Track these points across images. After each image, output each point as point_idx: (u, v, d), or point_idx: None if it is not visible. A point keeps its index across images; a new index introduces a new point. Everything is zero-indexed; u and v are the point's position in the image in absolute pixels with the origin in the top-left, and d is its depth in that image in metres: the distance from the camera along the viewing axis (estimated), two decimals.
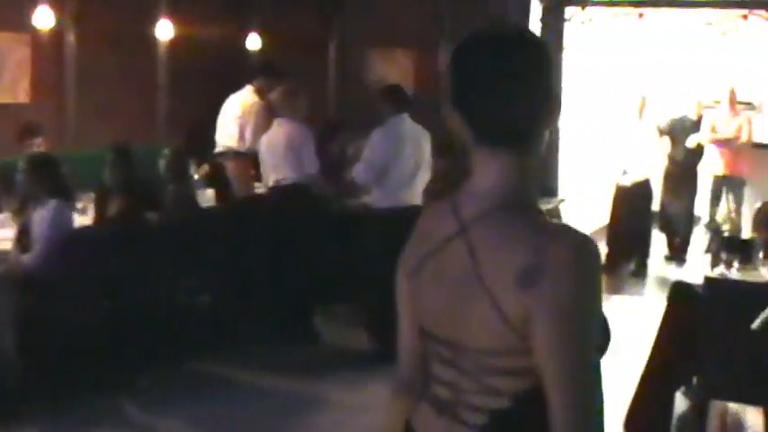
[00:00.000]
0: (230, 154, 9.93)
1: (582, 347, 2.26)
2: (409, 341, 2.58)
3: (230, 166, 9.93)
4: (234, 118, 9.88)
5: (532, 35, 2.47)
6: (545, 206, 10.64)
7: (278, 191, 8.55)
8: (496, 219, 2.34)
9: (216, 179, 10.08)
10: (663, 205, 13.39)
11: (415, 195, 8.38)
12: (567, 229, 2.35)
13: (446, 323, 2.39)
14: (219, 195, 9.85)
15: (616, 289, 11.84)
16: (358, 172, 8.35)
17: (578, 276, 2.29)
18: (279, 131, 8.65)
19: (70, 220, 7.41)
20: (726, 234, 7.26)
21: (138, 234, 7.70)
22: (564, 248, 2.28)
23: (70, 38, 10.90)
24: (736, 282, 6.47)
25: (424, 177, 8.53)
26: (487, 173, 2.39)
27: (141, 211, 7.83)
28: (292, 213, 8.45)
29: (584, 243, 2.32)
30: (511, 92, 2.33)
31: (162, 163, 8.49)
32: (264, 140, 8.75)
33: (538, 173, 2.45)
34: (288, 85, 8.95)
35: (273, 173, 8.58)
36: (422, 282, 2.45)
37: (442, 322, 2.41)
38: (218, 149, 10.04)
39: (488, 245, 2.32)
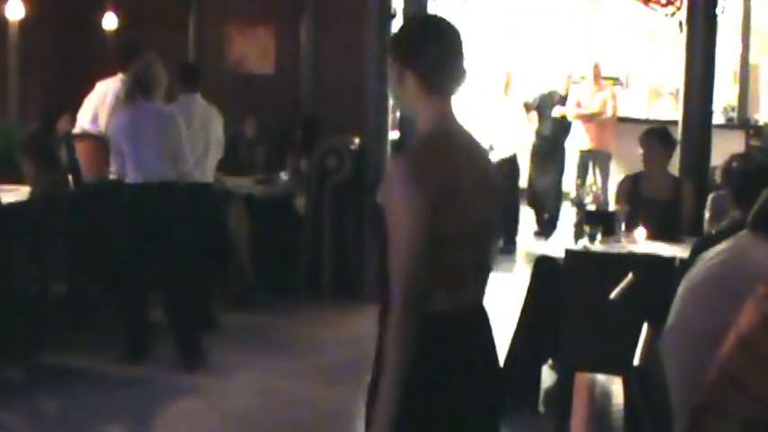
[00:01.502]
0: (81, 135, 9.62)
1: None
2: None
3: (80, 148, 9.61)
4: (92, 101, 9.60)
5: None
6: None
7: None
8: None
9: (71, 162, 9.78)
10: (531, 181, 13.45)
11: (207, 173, 8.66)
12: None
13: None
14: (73, 179, 9.56)
15: None
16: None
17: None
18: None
19: None
20: (588, 207, 7.23)
21: None
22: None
23: None
24: (596, 253, 6.48)
25: (215, 156, 8.84)
26: (440, 115, 3.43)
27: None
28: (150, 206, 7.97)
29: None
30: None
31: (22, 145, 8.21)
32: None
33: None
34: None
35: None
36: None
37: None
38: (74, 131, 9.73)
39: None
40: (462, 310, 3.35)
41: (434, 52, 3.33)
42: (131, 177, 7.65)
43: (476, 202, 3.30)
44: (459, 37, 3.38)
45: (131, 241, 7.73)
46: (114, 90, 9.45)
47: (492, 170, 3.51)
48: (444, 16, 3.51)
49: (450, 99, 3.43)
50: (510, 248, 12.41)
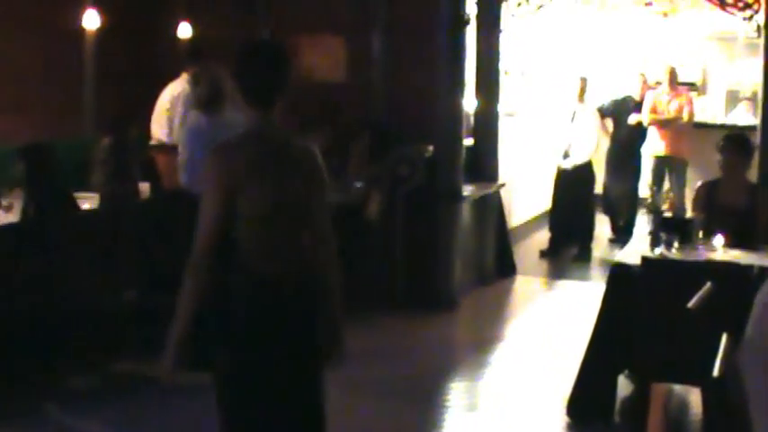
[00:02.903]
0: (159, 147, 9.67)
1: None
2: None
3: (159, 160, 9.66)
4: (163, 110, 9.62)
5: None
6: (483, 191, 10.50)
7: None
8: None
9: (149, 173, 9.84)
10: (606, 187, 13.35)
11: None
12: None
13: None
14: (152, 189, 9.61)
15: (560, 273, 11.76)
16: None
17: None
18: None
19: None
20: (665, 214, 7.13)
21: (61, 231, 7.44)
22: None
23: None
24: (673, 261, 6.37)
25: None
26: (255, 120, 4.21)
27: (57, 209, 7.56)
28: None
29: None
30: None
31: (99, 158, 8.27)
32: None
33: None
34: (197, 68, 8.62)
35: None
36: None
37: None
38: (152, 142, 9.78)
39: None
40: (278, 275, 4.16)
41: (248, 77, 4.19)
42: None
43: (283, 189, 4.13)
44: (273, 60, 4.23)
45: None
46: (183, 96, 9.45)
47: (309, 164, 4.26)
48: (266, 44, 4.95)
49: (266, 108, 4.19)
50: (585, 255, 12.31)
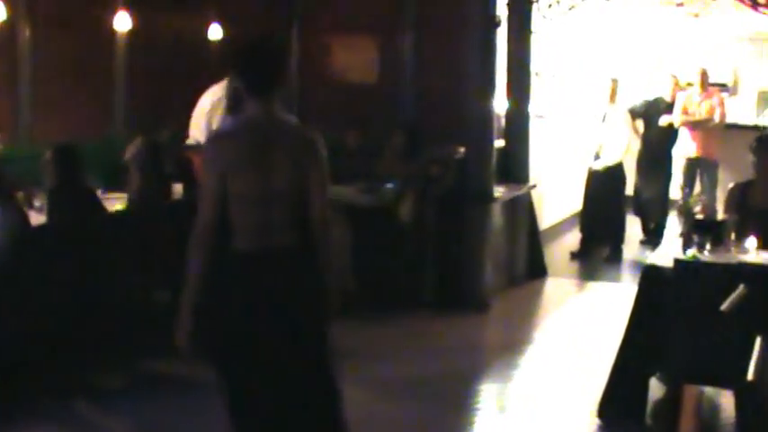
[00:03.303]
0: (196, 147, 9.65)
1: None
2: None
3: (195, 161, 9.65)
4: (203, 111, 9.58)
5: None
6: (514, 193, 10.49)
7: None
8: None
9: (184, 173, 9.87)
10: (637, 189, 13.31)
11: None
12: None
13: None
14: (186, 190, 9.64)
15: (591, 275, 11.73)
16: None
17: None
18: None
19: (16, 222, 7.17)
20: (697, 216, 7.07)
21: (93, 231, 7.48)
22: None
23: (24, 32, 10.65)
24: (705, 263, 6.32)
25: None
26: (254, 108, 4.63)
27: (84, 210, 7.60)
28: None
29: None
30: None
31: (131, 155, 8.29)
32: None
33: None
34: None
35: None
36: None
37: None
38: (188, 142, 9.77)
39: None
40: (261, 251, 4.57)
41: (248, 70, 4.64)
42: None
43: (271, 174, 4.51)
44: (268, 54, 4.64)
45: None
46: (224, 99, 9.45)
47: (302, 150, 4.59)
48: (263, 39, 4.77)
49: (264, 98, 4.60)
50: (616, 257, 12.28)
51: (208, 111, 9.47)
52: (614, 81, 12.24)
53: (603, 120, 12.12)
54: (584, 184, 12.43)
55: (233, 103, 7.89)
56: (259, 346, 4.63)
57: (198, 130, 9.49)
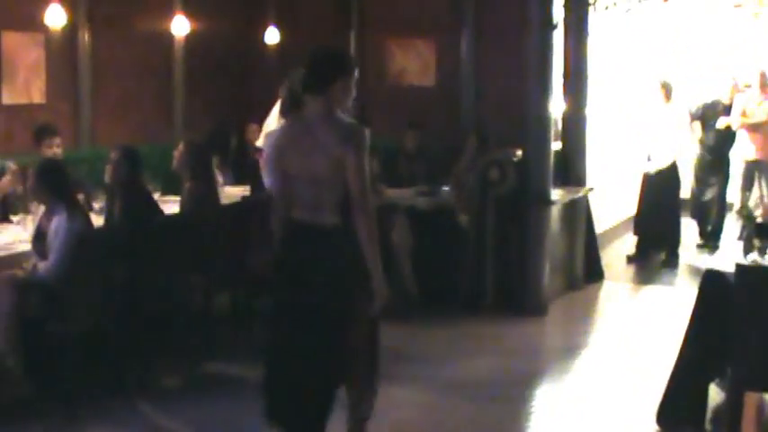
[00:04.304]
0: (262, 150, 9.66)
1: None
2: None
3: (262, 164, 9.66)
4: (275, 117, 9.58)
5: None
6: (572, 195, 10.45)
7: None
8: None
9: (253, 176, 9.93)
10: (694, 192, 13.22)
11: None
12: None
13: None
14: (253, 193, 9.69)
15: (648, 278, 11.66)
16: None
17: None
18: None
19: (82, 225, 7.25)
20: (758, 220, 7.01)
21: (153, 233, 7.53)
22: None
23: (84, 36, 10.77)
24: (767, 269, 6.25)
25: None
26: (310, 107, 5.24)
27: (144, 212, 7.64)
28: None
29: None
30: None
31: (178, 158, 8.33)
32: None
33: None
34: None
35: None
36: None
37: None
38: (257, 143, 9.79)
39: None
40: (307, 222, 5.24)
41: (305, 72, 5.26)
42: None
43: (305, 161, 5.17)
44: (323, 58, 5.27)
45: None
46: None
47: (334, 141, 5.13)
48: (325, 46, 5.48)
49: (314, 100, 5.20)
50: (673, 261, 12.20)
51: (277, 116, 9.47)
52: (667, 83, 12.16)
53: (657, 122, 12.05)
54: (640, 187, 12.36)
55: (288, 105, 7.86)
56: (293, 298, 5.30)
57: (268, 131, 9.46)
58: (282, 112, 7.83)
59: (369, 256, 5.19)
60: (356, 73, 5.32)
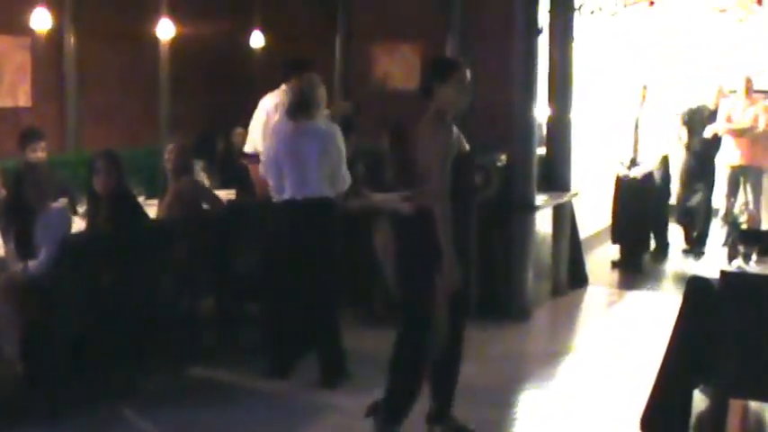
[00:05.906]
0: (252, 156, 9.65)
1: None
2: None
3: (252, 169, 9.64)
4: (261, 119, 9.54)
5: None
6: (556, 201, 10.45)
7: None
8: None
9: (239, 180, 9.92)
10: (680, 197, 13.24)
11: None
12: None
13: None
14: (239, 197, 9.68)
15: (632, 285, 11.67)
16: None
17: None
18: None
19: (70, 225, 7.29)
20: (743, 226, 7.02)
21: (137, 237, 7.50)
22: None
23: (70, 39, 10.76)
24: (753, 275, 6.27)
25: None
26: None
27: (130, 216, 7.61)
28: (307, 223, 7.99)
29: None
30: None
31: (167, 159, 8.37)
32: None
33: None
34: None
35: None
36: None
37: None
38: (245, 149, 9.75)
39: None
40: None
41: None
42: (288, 194, 7.61)
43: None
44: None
45: (288, 258, 7.75)
46: (280, 106, 9.39)
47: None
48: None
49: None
50: (662, 253, 12.31)
51: (264, 119, 9.44)
52: (644, 87, 12.21)
53: (635, 126, 12.09)
54: (614, 193, 12.37)
55: (297, 107, 7.83)
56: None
57: (257, 136, 9.44)
58: (290, 114, 7.78)
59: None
60: (464, 76, 6.28)
